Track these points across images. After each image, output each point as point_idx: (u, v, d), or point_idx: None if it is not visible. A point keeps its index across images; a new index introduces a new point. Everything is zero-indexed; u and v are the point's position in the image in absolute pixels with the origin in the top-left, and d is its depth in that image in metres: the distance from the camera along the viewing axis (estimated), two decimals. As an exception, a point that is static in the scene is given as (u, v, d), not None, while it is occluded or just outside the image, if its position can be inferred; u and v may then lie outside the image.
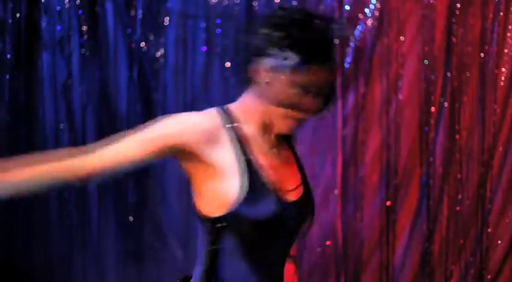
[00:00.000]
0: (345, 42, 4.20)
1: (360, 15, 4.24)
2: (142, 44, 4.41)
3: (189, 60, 4.43)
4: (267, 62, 2.04)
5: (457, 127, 4.28)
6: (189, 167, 2.09)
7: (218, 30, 4.39)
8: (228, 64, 4.37)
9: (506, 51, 4.23)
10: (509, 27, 4.23)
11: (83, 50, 4.41)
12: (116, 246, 4.43)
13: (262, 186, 2.07)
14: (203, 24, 4.41)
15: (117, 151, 2.04)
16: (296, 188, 2.16)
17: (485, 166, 4.26)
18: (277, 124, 2.11)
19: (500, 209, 4.27)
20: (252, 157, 2.08)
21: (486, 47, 4.23)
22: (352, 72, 4.27)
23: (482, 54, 4.24)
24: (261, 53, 2.05)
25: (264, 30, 2.05)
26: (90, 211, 4.44)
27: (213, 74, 4.41)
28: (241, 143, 2.09)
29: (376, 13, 4.23)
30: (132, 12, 4.40)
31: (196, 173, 2.08)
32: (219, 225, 2.06)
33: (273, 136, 2.16)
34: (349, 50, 4.24)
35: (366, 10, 4.25)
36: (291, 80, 2.04)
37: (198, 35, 4.42)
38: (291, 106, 2.06)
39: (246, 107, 2.11)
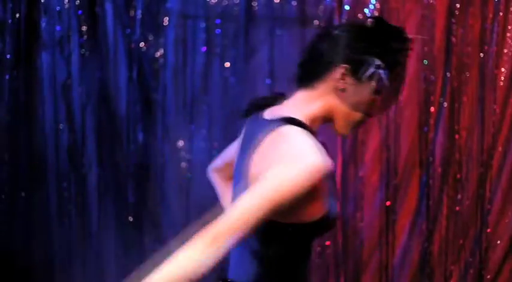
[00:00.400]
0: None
1: (360, 16, 4.24)
2: (142, 44, 4.41)
3: (188, 61, 4.42)
4: (357, 69, 2.08)
5: (456, 127, 4.28)
6: None
7: (218, 31, 4.39)
8: (227, 64, 4.37)
9: (505, 51, 4.23)
10: (509, 27, 4.24)
11: (83, 50, 4.41)
12: (116, 247, 4.43)
13: (333, 193, 2.09)
14: (203, 25, 4.40)
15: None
16: None
17: (484, 166, 4.27)
18: (340, 126, 2.14)
19: (499, 209, 4.28)
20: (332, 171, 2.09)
21: (486, 47, 4.23)
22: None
23: (481, 54, 4.24)
24: (349, 60, 2.07)
25: (356, 40, 2.08)
26: (90, 211, 4.45)
27: (213, 75, 4.41)
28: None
29: (376, 13, 4.23)
30: (132, 13, 4.40)
31: None
32: (294, 229, 2.04)
33: None
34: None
35: (366, 10, 4.24)
36: (378, 88, 2.09)
37: (197, 35, 4.41)
38: (368, 111, 2.12)
39: (313, 114, 2.11)
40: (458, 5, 4.21)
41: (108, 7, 4.40)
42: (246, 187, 2.00)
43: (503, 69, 4.24)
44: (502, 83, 4.25)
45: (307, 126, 2.07)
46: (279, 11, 4.33)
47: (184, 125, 4.43)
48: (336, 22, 4.24)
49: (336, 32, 2.12)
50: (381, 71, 2.07)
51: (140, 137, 4.44)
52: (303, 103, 2.11)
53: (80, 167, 4.44)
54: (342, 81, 2.08)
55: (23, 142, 4.37)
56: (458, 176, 4.29)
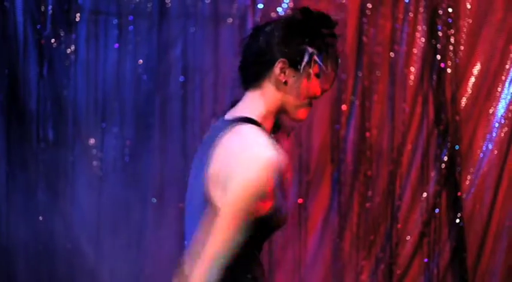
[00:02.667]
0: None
1: (273, 14, 4.28)
2: (53, 40, 4.35)
3: (100, 57, 4.39)
4: (294, 61, 2.19)
5: (367, 125, 4.36)
6: None
7: (130, 27, 4.37)
8: (140, 61, 4.36)
9: (415, 51, 4.33)
10: (418, 27, 4.33)
11: (-9, 45, 4.33)
12: (25, 246, 4.36)
13: (280, 188, 2.20)
14: (115, 21, 4.38)
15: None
16: None
17: (394, 163, 4.35)
18: (294, 114, 2.27)
19: (409, 205, 4.36)
20: None
21: (396, 47, 4.32)
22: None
23: (392, 54, 4.33)
24: (285, 54, 2.19)
25: (288, 33, 2.19)
26: (-1, 210, 4.37)
27: (125, 72, 4.39)
28: None
29: (289, 12, 4.27)
30: (43, 8, 4.34)
31: None
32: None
33: None
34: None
35: (279, 9, 4.28)
36: (316, 72, 2.21)
37: (110, 32, 4.39)
38: (313, 95, 2.24)
39: (264, 111, 2.22)
40: (369, 5, 4.29)
41: (18, 1, 4.34)
42: (202, 185, 2.12)
43: (412, 69, 4.33)
44: (411, 82, 4.34)
45: (259, 123, 2.20)
46: (192, 8, 4.34)
47: (96, 122, 4.39)
48: (250, 20, 4.26)
49: (267, 29, 2.22)
50: (315, 57, 2.19)
51: (50, 134, 4.38)
52: (253, 102, 2.22)
53: (-12, 165, 4.36)
54: (282, 74, 2.19)
55: None
56: (369, 173, 4.36)
